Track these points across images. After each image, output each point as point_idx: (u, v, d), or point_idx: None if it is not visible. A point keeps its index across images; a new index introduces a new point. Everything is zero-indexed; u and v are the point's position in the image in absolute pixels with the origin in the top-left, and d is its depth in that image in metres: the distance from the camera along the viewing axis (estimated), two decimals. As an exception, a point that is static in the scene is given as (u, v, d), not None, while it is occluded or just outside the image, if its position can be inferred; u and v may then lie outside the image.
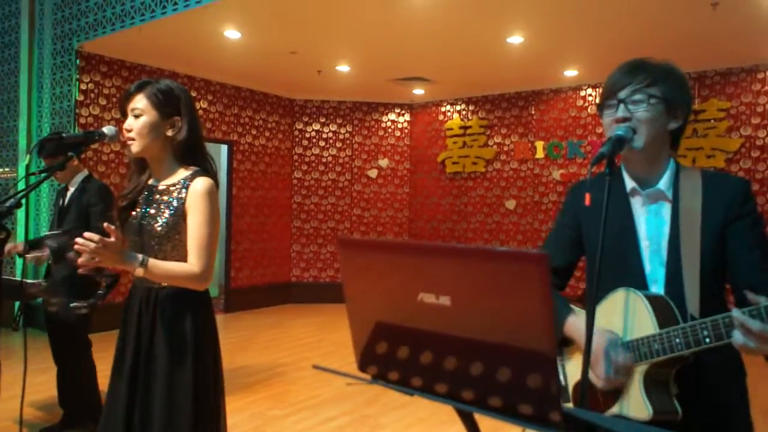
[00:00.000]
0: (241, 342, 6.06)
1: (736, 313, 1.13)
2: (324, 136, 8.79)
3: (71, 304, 2.95)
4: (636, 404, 1.30)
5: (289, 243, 8.67)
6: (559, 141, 7.54)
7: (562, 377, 1.53)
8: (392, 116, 8.92)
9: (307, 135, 8.76)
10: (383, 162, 8.91)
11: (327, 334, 6.54)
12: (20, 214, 6.43)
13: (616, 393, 1.37)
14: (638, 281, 1.42)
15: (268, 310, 8.04)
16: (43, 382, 4.19)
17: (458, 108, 8.47)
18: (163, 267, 1.70)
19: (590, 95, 7.33)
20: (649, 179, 1.45)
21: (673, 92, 1.40)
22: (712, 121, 6.53)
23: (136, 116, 1.78)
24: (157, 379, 1.75)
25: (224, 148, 7.92)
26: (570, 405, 1.50)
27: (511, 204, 7.95)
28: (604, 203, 1.28)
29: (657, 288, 1.41)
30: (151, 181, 1.88)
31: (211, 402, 1.82)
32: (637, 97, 1.38)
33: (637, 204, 1.48)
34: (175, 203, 1.77)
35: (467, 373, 0.85)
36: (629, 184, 1.48)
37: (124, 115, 1.80)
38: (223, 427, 1.89)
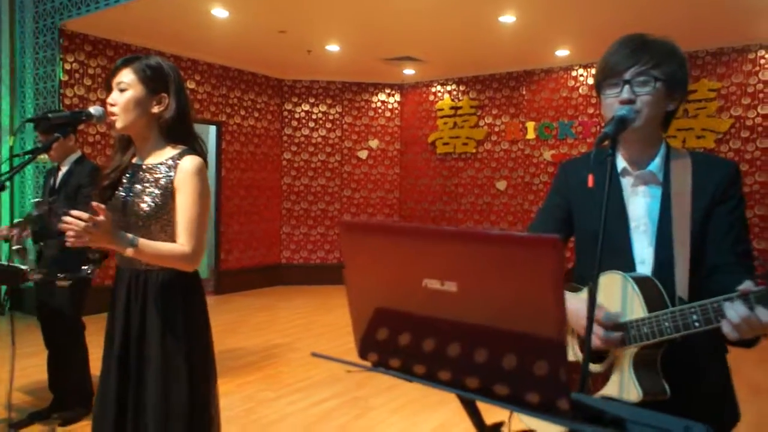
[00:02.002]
0: (232, 324, 6.04)
1: (730, 304, 1.13)
2: (313, 117, 8.70)
3: (58, 275, 2.92)
4: (626, 386, 1.31)
5: (279, 225, 8.62)
6: (550, 121, 7.52)
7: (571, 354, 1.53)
8: (382, 96, 8.84)
9: (297, 116, 8.67)
10: (373, 143, 8.85)
11: (318, 315, 6.54)
12: (5, 197, 6.33)
13: (605, 374, 1.37)
14: (626, 262, 1.42)
15: (258, 292, 8.01)
16: (32, 366, 4.16)
17: (449, 88, 8.41)
18: (153, 247, 1.66)
19: (581, 75, 7.29)
20: (640, 160, 1.45)
21: (675, 73, 1.38)
22: (703, 101, 6.53)
23: (122, 90, 1.72)
24: (151, 364, 1.72)
25: (213, 129, 7.82)
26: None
27: (502, 185, 7.94)
28: (606, 184, 1.26)
29: (644, 269, 1.41)
30: (135, 160, 1.82)
31: (204, 386, 1.80)
32: (643, 78, 1.36)
33: (627, 185, 1.47)
34: (163, 182, 1.73)
35: (472, 360, 0.83)
36: (621, 164, 1.47)
37: (110, 90, 1.75)
38: (216, 409, 1.88)
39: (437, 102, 8.51)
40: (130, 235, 1.63)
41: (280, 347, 5.19)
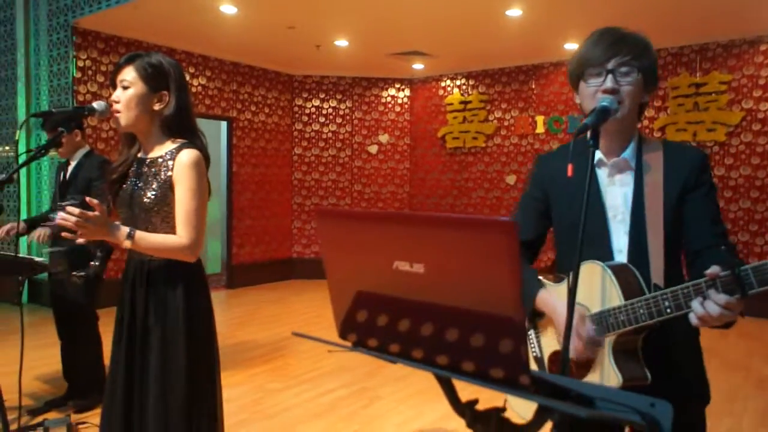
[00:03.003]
0: (243, 317, 6.13)
1: (708, 292, 1.17)
2: (324, 111, 8.76)
3: (72, 272, 3.02)
4: (607, 373, 1.35)
5: (290, 219, 8.70)
6: (559, 115, 7.51)
7: (537, 349, 1.57)
8: (392, 91, 8.87)
9: (307, 111, 8.73)
10: (383, 138, 8.88)
11: (328, 308, 6.54)
12: (22, 191, 6.47)
13: (588, 363, 1.41)
14: (604, 252, 1.45)
15: (270, 286, 8.11)
16: (50, 356, 4.26)
17: (458, 83, 8.42)
18: (150, 239, 1.73)
19: (591, 68, 7.25)
20: (616, 150, 1.48)
21: (651, 66, 1.43)
22: (713, 94, 6.48)
23: (125, 88, 1.79)
24: (152, 350, 1.78)
25: (224, 124, 7.91)
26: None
27: (511, 179, 7.94)
28: (588, 175, 1.29)
29: (622, 258, 1.45)
30: (140, 155, 1.89)
31: (205, 372, 1.85)
32: (625, 69, 1.40)
33: (603, 175, 1.50)
34: (162, 175, 1.79)
35: (442, 338, 0.87)
36: (597, 155, 1.50)
37: (114, 87, 1.81)
38: (219, 401, 1.93)
39: (447, 96, 8.52)
40: (127, 228, 1.69)
41: (290, 339, 5.27)
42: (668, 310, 1.25)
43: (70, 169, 3.46)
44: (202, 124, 7.86)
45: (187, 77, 7.11)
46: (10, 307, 6.51)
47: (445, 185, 8.57)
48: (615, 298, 1.34)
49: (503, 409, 0.95)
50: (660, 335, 1.38)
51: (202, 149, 1.85)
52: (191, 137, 1.85)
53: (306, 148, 8.73)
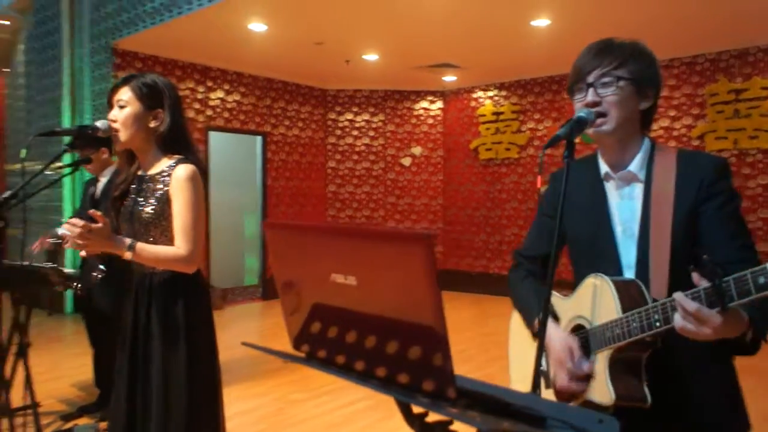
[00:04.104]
0: (275, 328, 6.20)
1: (676, 294, 1.11)
2: (357, 125, 8.85)
3: (92, 273, 3.16)
4: (600, 389, 1.30)
5: (323, 232, 8.79)
6: (593, 125, 7.36)
7: (544, 365, 1.54)
8: (425, 104, 8.89)
9: (340, 125, 8.84)
10: (416, 150, 8.90)
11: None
12: (66, 204, 6.75)
13: (587, 378, 1.37)
14: (613, 267, 1.40)
15: (303, 298, 8.17)
16: (88, 363, 4.44)
17: (490, 94, 8.37)
18: (150, 250, 1.79)
19: (625, 77, 7.11)
20: (621, 162, 1.42)
21: (642, 72, 1.37)
22: (755, 100, 6.25)
23: (121, 107, 1.87)
24: (153, 360, 1.84)
25: (258, 139, 8.08)
26: (551, 390, 1.50)
27: (545, 190, 7.82)
28: (562, 188, 1.27)
29: (630, 273, 1.39)
30: (140, 172, 1.96)
31: (205, 382, 1.89)
32: (606, 80, 1.37)
33: (611, 188, 1.46)
34: (160, 190, 1.86)
35: (382, 350, 0.88)
36: (603, 168, 1.46)
37: (111, 107, 1.89)
38: (220, 409, 1.96)
39: (479, 108, 8.49)
40: (128, 240, 1.76)
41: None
42: (657, 324, 1.19)
43: (100, 186, 3.61)
44: (237, 138, 8.00)
45: (222, 94, 7.36)
46: (55, 316, 6.80)
47: (479, 197, 8.50)
48: (612, 311, 1.30)
49: (450, 422, 0.95)
50: (668, 353, 1.29)
51: (198, 164, 1.90)
52: (187, 153, 1.91)
53: (339, 162, 8.82)
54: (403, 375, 0.85)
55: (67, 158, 3.91)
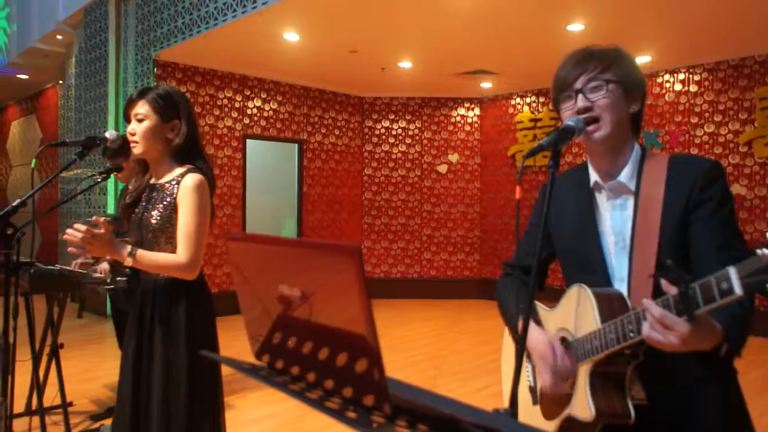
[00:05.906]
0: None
1: (644, 300, 1.07)
2: (393, 132, 8.86)
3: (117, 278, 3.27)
4: (580, 404, 1.25)
5: (360, 239, 8.83)
6: (634, 131, 7.15)
7: (532, 380, 1.50)
8: (462, 111, 8.84)
9: (377, 132, 8.87)
10: (453, 157, 8.85)
11: (391, 328, 6.61)
12: (111, 213, 7.00)
13: (569, 394, 1.33)
14: (602, 278, 1.36)
15: (338, 304, 8.21)
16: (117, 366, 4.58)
17: (528, 100, 8.25)
18: (150, 257, 1.83)
19: (667, 82, 6.89)
20: (612, 171, 1.38)
21: (628, 74, 1.34)
22: (807, 104, 5.94)
23: (140, 120, 1.92)
24: (156, 363, 1.88)
25: (295, 147, 8.19)
26: (537, 407, 1.47)
27: (584, 198, 7.64)
28: (546, 198, 1.24)
29: (622, 286, 1.34)
30: (152, 181, 2.02)
31: (206, 385, 1.92)
32: (594, 83, 1.34)
33: (602, 199, 1.41)
34: (168, 199, 1.90)
35: (333, 362, 0.87)
36: (593, 177, 1.42)
37: (128, 120, 1.95)
38: (221, 409, 1.99)
39: (516, 114, 8.38)
40: (129, 246, 1.81)
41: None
42: (631, 334, 1.14)
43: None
44: (274, 146, 8.13)
45: (260, 102, 7.51)
46: (98, 318, 7.05)
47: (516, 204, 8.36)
48: (592, 323, 1.25)
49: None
50: (655, 365, 1.24)
51: (207, 173, 1.94)
52: (197, 162, 1.96)
53: (376, 169, 8.85)
54: (348, 389, 0.84)
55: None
